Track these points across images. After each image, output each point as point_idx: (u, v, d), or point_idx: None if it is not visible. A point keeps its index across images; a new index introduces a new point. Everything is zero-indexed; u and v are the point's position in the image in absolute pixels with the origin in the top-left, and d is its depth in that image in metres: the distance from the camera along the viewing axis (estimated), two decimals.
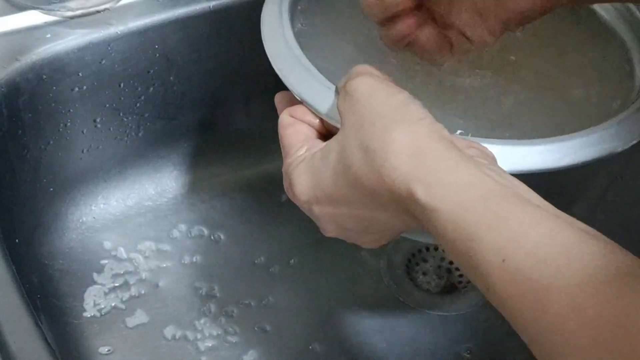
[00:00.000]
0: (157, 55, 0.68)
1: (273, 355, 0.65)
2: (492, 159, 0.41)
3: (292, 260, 0.71)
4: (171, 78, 0.70)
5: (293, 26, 0.52)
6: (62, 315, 0.66)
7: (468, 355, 0.65)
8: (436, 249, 0.72)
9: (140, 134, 0.72)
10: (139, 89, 0.69)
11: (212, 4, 0.68)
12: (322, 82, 0.46)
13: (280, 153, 0.46)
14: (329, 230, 0.44)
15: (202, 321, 0.66)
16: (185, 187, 0.76)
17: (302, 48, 0.50)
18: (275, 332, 0.66)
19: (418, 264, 0.71)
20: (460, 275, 0.70)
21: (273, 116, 0.79)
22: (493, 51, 0.52)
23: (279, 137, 0.46)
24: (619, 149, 0.45)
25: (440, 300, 0.69)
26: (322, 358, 0.65)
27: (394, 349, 0.66)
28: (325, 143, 0.42)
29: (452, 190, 0.35)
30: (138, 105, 0.70)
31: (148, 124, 0.72)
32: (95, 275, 0.69)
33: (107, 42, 0.65)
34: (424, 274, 0.70)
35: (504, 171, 0.38)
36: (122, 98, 0.69)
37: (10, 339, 0.45)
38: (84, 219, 0.72)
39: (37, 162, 0.67)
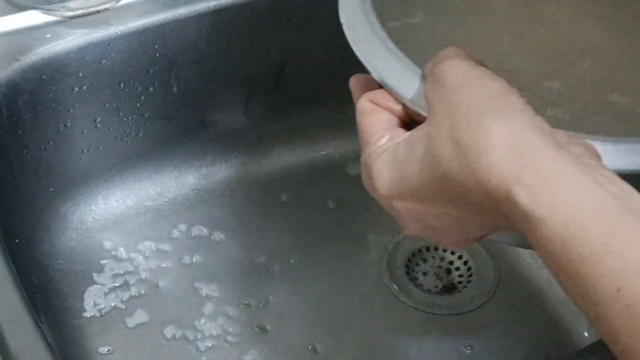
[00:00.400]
0: (157, 55, 0.68)
1: (273, 355, 0.65)
2: (598, 158, 0.36)
3: (292, 260, 0.71)
4: (171, 78, 0.70)
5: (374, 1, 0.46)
6: (62, 315, 0.66)
7: (469, 351, 0.65)
8: (436, 249, 0.72)
9: (140, 134, 0.72)
10: (139, 89, 0.69)
11: (212, 4, 0.68)
12: (407, 65, 0.42)
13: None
14: (410, 227, 0.40)
15: (202, 321, 0.66)
16: (186, 187, 0.76)
17: (384, 26, 0.44)
18: (275, 332, 0.66)
19: (418, 264, 0.71)
20: (460, 276, 0.70)
21: (273, 116, 0.79)
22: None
23: (358, 125, 0.41)
24: None
25: (441, 300, 0.69)
26: (322, 358, 0.65)
27: (395, 348, 0.66)
28: (409, 133, 0.39)
29: (561, 199, 0.32)
30: (138, 105, 0.70)
31: (148, 124, 0.72)
32: (95, 275, 0.68)
33: (107, 42, 0.65)
34: (424, 274, 0.70)
35: (615, 175, 0.34)
36: (122, 98, 0.69)
37: (10, 339, 0.45)
38: (84, 219, 0.72)
39: (37, 162, 0.67)
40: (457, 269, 0.71)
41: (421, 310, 0.68)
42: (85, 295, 0.67)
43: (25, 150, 0.65)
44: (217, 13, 0.69)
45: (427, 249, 0.72)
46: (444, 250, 0.71)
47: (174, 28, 0.67)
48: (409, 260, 0.71)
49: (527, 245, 0.43)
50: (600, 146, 0.37)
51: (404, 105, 0.41)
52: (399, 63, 0.42)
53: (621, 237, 0.30)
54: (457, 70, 0.37)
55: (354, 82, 0.44)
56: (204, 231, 0.73)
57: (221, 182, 0.77)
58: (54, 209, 0.70)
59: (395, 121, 0.41)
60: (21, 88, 0.62)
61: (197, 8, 0.68)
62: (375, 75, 0.43)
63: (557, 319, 0.68)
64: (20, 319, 0.47)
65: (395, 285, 0.69)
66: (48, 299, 0.65)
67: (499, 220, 0.35)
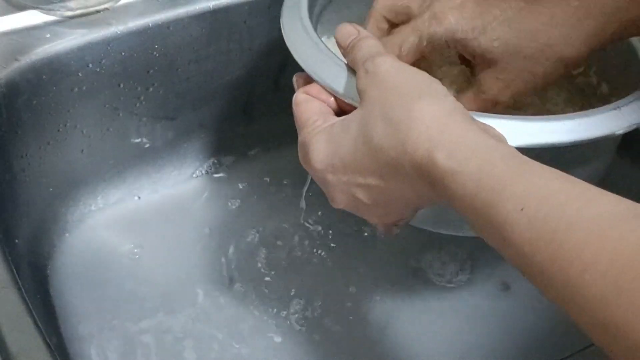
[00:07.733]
0: (157, 55, 0.68)
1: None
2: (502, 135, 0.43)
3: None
4: (171, 78, 0.70)
5: (311, 7, 0.54)
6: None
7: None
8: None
9: (140, 134, 0.72)
10: (139, 89, 0.69)
11: (212, 4, 0.68)
12: (336, 61, 0.48)
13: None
14: (339, 200, 0.45)
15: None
16: (186, 188, 0.76)
17: (317, 27, 0.51)
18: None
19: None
20: None
21: (272, 117, 0.80)
22: None
23: (294, 114, 0.47)
24: (619, 131, 0.47)
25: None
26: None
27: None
28: (343, 117, 0.44)
29: (475, 153, 0.38)
30: (138, 105, 0.70)
31: (148, 124, 0.72)
32: (95, 275, 0.68)
33: (106, 42, 0.65)
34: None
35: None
36: (122, 98, 0.69)
37: (10, 339, 0.45)
38: (84, 219, 0.72)
39: (37, 162, 0.67)
40: None
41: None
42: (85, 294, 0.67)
43: (25, 151, 0.65)
44: (217, 13, 0.69)
45: None
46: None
47: (174, 28, 0.67)
48: None
49: (446, 227, 0.51)
50: (504, 124, 0.44)
51: (335, 97, 0.47)
52: (330, 60, 0.48)
53: (526, 169, 0.37)
54: (389, 63, 0.43)
55: (296, 78, 0.50)
56: (205, 231, 0.73)
57: (221, 182, 0.77)
58: (54, 209, 0.70)
59: (328, 110, 0.47)
60: (21, 88, 0.62)
61: (197, 8, 0.68)
62: (308, 71, 0.48)
63: None
64: (20, 319, 0.47)
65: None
66: (48, 299, 0.66)
67: (424, 189, 0.40)
